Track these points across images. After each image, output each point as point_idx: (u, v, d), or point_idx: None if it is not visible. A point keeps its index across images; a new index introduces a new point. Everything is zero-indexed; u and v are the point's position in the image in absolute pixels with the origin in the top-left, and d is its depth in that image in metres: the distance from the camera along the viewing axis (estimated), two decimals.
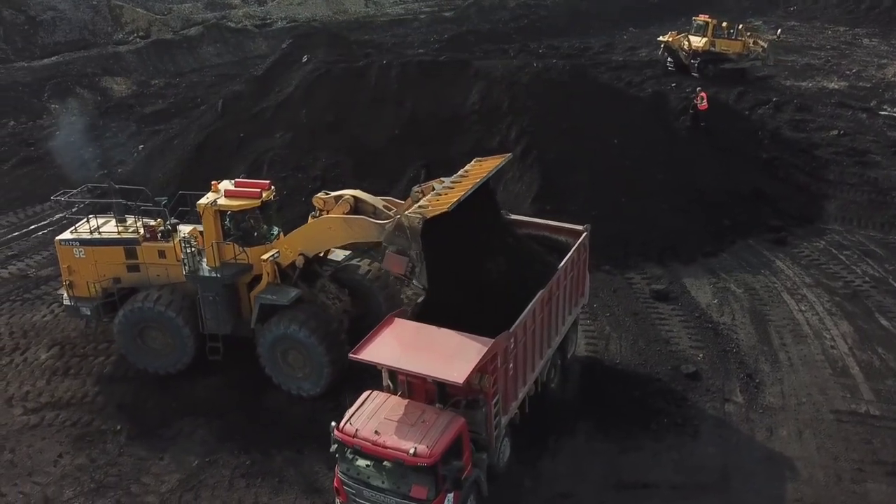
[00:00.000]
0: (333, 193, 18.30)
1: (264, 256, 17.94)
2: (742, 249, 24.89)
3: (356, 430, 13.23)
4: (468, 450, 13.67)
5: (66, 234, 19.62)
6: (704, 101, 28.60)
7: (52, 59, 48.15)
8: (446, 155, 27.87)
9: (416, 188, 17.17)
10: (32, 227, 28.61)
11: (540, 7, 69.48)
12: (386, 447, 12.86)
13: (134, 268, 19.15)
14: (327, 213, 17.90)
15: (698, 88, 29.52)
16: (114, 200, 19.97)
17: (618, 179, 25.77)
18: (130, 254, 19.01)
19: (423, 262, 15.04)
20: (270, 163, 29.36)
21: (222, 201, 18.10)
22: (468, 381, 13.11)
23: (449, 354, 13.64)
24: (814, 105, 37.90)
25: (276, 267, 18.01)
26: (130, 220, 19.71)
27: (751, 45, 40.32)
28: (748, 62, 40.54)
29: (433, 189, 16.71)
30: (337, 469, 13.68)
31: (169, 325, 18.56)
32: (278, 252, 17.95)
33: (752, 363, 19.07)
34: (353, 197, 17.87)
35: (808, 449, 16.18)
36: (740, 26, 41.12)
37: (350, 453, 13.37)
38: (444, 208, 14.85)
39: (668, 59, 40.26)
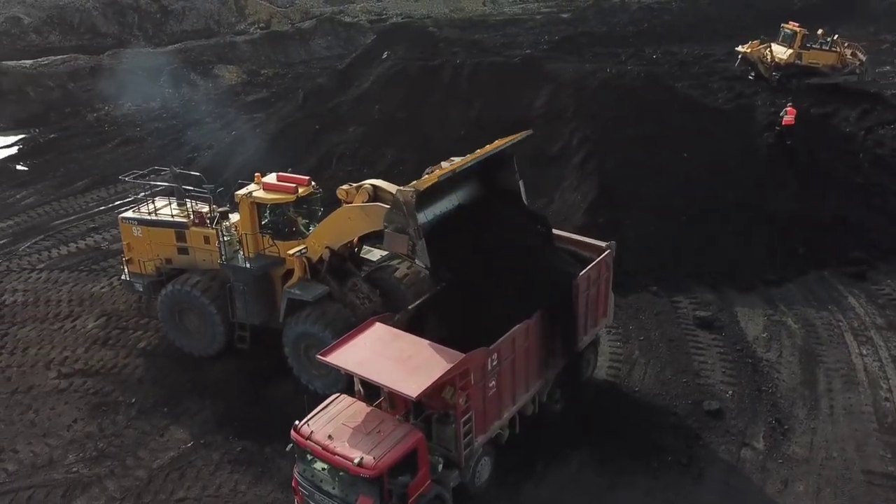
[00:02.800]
0: (356, 184, 18.16)
1: (291, 251, 18.03)
2: (812, 281, 22.74)
3: (311, 432, 13.10)
4: (425, 466, 13.21)
5: (129, 213, 20.67)
6: (790, 116, 26.29)
7: (175, 46, 51.16)
8: None
9: (427, 169, 16.65)
10: (118, 203, 30.41)
11: (664, 11, 66.81)
12: (335, 453, 12.65)
13: (183, 250, 19.82)
14: (349, 203, 17.59)
15: (788, 103, 27.15)
16: (170, 185, 20.88)
17: (680, 195, 24.21)
18: (180, 237, 19.70)
19: (421, 239, 14.45)
20: (340, 156, 29.82)
21: (258, 193, 18.40)
22: (422, 396, 12.68)
23: (414, 366, 13.25)
24: None
25: (306, 262, 18.05)
26: (189, 204, 20.41)
27: (847, 57, 36.24)
28: (841, 76, 36.09)
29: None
30: (294, 469, 13.61)
31: (202, 311, 19.09)
32: (306, 248, 17.98)
33: (787, 407, 17.36)
34: (372, 186, 17.46)
35: None
36: (836, 36, 36.95)
37: (309, 454, 13.26)
38: (435, 179, 14.37)
39: (751, 71, 36.87)
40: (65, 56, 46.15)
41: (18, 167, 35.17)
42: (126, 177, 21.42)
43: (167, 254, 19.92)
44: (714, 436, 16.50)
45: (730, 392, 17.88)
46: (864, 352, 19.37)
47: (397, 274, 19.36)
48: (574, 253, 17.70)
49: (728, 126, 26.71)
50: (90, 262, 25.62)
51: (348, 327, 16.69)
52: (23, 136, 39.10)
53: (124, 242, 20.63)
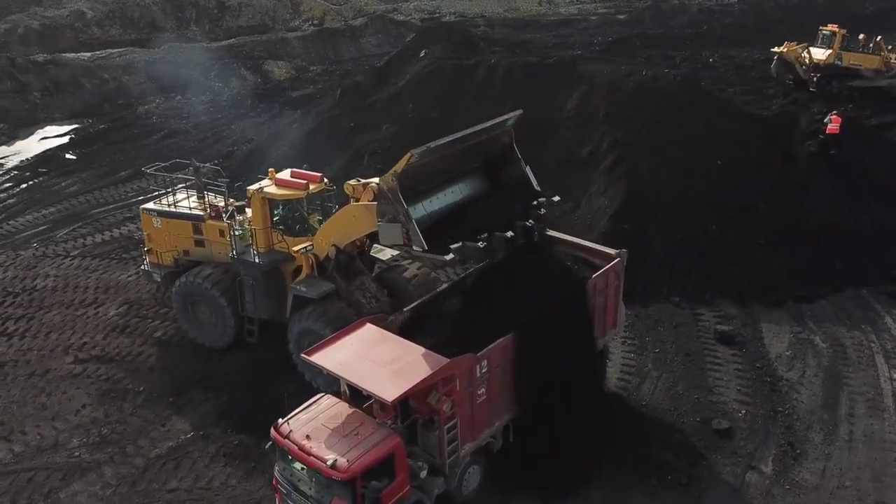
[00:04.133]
0: (364, 181, 17.99)
1: (296, 248, 18.06)
2: (848, 299, 21.61)
3: (290, 431, 12.99)
4: (404, 471, 12.96)
5: (150, 204, 21.00)
6: (835, 125, 25.04)
7: (228, 41, 52.15)
8: (536, 161, 26.53)
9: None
10: (156, 193, 31.05)
11: (725, 13, 64.95)
12: (310, 454, 12.50)
13: (200, 243, 20.01)
14: (356, 200, 17.41)
15: (833, 112, 25.83)
16: (186, 178, 21.09)
17: (711, 204, 23.33)
18: (197, 229, 19.89)
19: (412, 222, 14.04)
20: (372, 154, 29.82)
21: (269, 189, 18.43)
22: (397, 401, 12.46)
23: (396, 370, 13.03)
24: None
25: (313, 259, 18.02)
26: (210, 197, 20.65)
27: (892, 60, 34.35)
28: (885, 80, 33.97)
29: None
30: (275, 467, 13.54)
31: (213, 303, 19.27)
32: (311, 245, 17.95)
33: (802, 430, 16.49)
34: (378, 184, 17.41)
35: None
36: (879, 38, 35.05)
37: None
38: (407, 159, 13.84)
39: (789, 75, 35.13)
40: (121, 49, 47.53)
41: (68, 156, 36.31)
42: (148, 169, 21.75)
43: (185, 245, 20.16)
44: (720, 456, 15.78)
45: (742, 411, 17.09)
46: (895, 376, 18.28)
47: (406, 274, 19.18)
48: (585, 260, 17.19)
49: (768, 133, 25.67)
50: (121, 251, 26.21)
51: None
52: (76, 126, 40.40)
53: (145, 233, 21.02)
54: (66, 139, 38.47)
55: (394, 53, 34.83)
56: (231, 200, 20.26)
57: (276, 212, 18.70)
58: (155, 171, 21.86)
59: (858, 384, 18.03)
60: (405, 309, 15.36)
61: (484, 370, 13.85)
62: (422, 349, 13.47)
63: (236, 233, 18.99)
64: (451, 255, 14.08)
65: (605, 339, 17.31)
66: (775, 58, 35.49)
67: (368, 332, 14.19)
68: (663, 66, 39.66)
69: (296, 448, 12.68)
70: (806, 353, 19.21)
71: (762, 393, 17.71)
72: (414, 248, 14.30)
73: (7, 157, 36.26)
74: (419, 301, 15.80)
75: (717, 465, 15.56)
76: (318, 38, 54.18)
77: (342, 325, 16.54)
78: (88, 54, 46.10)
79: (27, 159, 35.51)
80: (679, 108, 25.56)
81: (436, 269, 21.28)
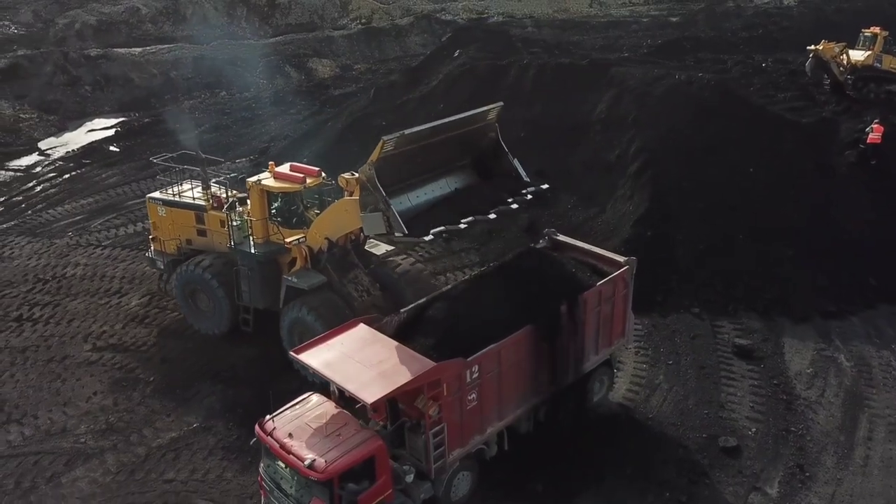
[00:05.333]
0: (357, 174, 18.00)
1: (289, 239, 18.32)
2: (880, 316, 20.60)
3: (274, 428, 12.98)
4: (385, 474, 12.80)
5: (156, 193, 21.51)
6: (876, 134, 23.89)
7: (275, 38, 52.88)
8: (563, 164, 26.56)
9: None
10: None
11: (783, 16, 62.91)
12: (290, 452, 12.45)
13: (202, 233, 20.49)
14: (350, 194, 17.48)
15: (876, 120, 24.63)
16: (180, 167, 21.56)
17: (740, 213, 22.57)
18: (199, 219, 20.38)
19: (391, 209, 14.31)
20: None
21: (267, 181, 18.74)
22: (376, 404, 12.33)
23: (381, 372, 12.89)
24: None
25: (307, 251, 18.29)
26: (215, 188, 20.99)
27: None
28: None
29: None
30: (260, 464, 13.55)
31: (210, 291, 19.71)
32: (304, 237, 18.19)
33: (814, 452, 15.76)
34: None
35: None
36: None
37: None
38: (382, 146, 14.18)
39: (825, 75, 33.29)
40: (171, 45, 48.64)
41: (111, 148, 37.28)
42: (155, 159, 22.29)
43: (188, 235, 20.66)
44: (723, 475, 15.19)
45: (753, 429, 16.43)
46: None
47: (399, 269, 19.30)
48: (594, 267, 16.76)
49: (805, 141, 24.65)
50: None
51: (340, 318, 16.80)
52: (122, 119, 41.49)
53: (151, 221, 21.59)
54: (111, 132, 39.53)
55: (429, 53, 34.70)
56: (233, 192, 20.56)
57: (274, 204, 19.00)
58: (163, 161, 22.36)
59: (881, 406, 17.16)
60: (402, 310, 15.23)
61: (475, 375, 13.63)
62: (411, 352, 13.31)
63: (234, 223, 19.37)
64: (429, 237, 14.57)
65: (611, 349, 16.88)
66: (811, 56, 33.85)
67: (360, 333, 14.09)
68: (712, 70, 38.57)
69: (277, 446, 12.66)
70: (828, 372, 18.39)
71: (776, 411, 17.01)
72: (396, 234, 14.58)
73: (54, 147, 37.45)
74: (416, 303, 15.63)
75: (719, 484, 14.99)
76: (364, 37, 54.48)
77: (332, 317, 17.14)
78: (139, 49, 47.30)
79: (72, 150, 36.61)
80: (711, 114, 24.81)
81: (437, 271, 21.23)
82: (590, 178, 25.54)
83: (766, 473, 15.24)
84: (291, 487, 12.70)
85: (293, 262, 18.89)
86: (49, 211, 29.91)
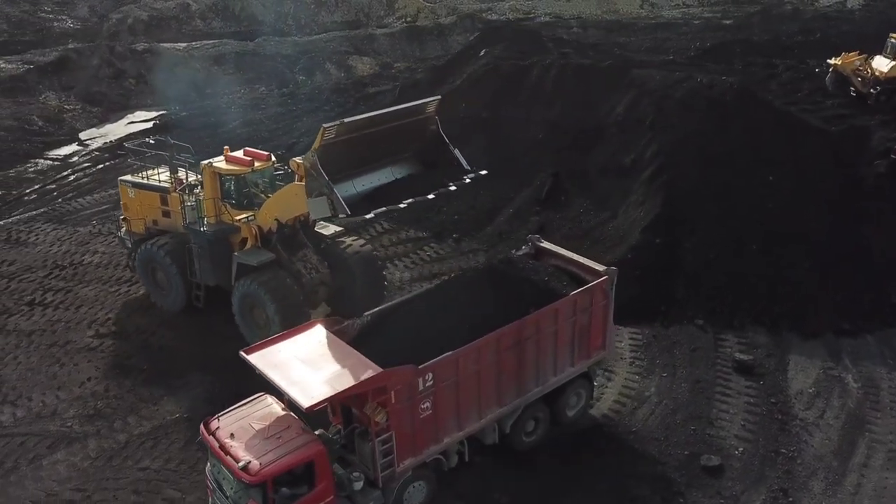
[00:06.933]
0: None
1: (237, 218, 19.22)
2: None
3: (218, 428, 12.86)
4: (326, 480, 12.52)
5: (127, 176, 22.59)
6: None
7: (318, 36, 53.40)
8: (580, 165, 26.06)
9: None
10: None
11: (844, 20, 60.45)
12: (228, 453, 12.28)
13: (167, 214, 21.34)
14: (300, 178, 18.31)
15: None
16: (147, 152, 22.76)
17: (756, 222, 21.66)
18: (163, 201, 21.28)
19: (334, 192, 15.68)
20: None
21: (218, 164, 19.63)
22: (312, 409, 12.08)
23: (326, 376, 12.67)
24: None
25: (256, 230, 19.21)
26: (182, 172, 21.78)
27: None
28: None
29: None
30: (208, 464, 13.45)
31: (166, 269, 20.71)
32: (253, 216, 19.09)
33: (803, 477, 14.97)
34: None
35: None
36: None
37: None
38: (320, 137, 15.51)
39: (850, 87, 31.27)
40: (215, 41, 49.57)
41: (148, 140, 38.11)
42: (128, 143, 22.91)
43: (154, 216, 21.53)
44: (701, 495, 14.56)
45: (740, 449, 15.71)
46: None
47: (349, 250, 20.10)
48: (575, 276, 16.15)
49: (832, 150, 23.53)
50: None
51: (288, 293, 18.31)
52: (162, 112, 42.42)
53: (122, 202, 22.45)
54: (150, 124, 40.44)
55: (456, 52, 34.46)
56: (198, 176, 21.13)
57: (226, 185, 19.69)
58: (136, 146, 23.25)
59: (884, 432, 16.21)
60: (366, 314, 14.92)
61: (429, 384, 13.24)
62: (360, 357, 12.99)
63: (189, 204, 20.13)
64: (371, 215, 16.43)
65: (590, 362, 16.22)
66: (830, 70, 31.95)
67: (315, 335, 13.88)
68: (762, 75, 37.38)
69: (217, 446, 12.52)
70: (832, 392, 17.47)
71: (768, 431, 16.23)
72: (339, 215, 15.96)
73: (94, 138, 38.54)
74: (380, 307, 15.32)
75: None
76: (406, 36, 54.54)
77: (281, 292, 18.38)
78: (184, 45, 48.33)
79: (110, 141, 37.58)
80: (732, 118, 23.88)
81: (442, 272, 21.13)
82: (604, 181, 24.94)
83: (746, 496, 14.55)
84: (231, 489, 12.49)
85: (244, 241, 19.71)
86: (78, 199, 30.77)
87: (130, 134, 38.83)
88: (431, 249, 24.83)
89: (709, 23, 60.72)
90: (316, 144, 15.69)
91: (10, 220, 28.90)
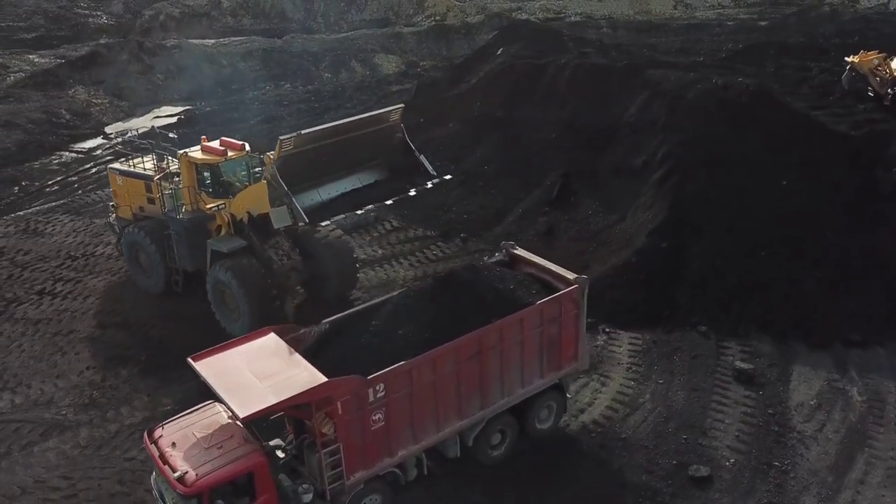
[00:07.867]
0: None
1: (208, 206, 19.56)
2: None
3: (160, 436, 12.75)
4: (268, 492, 12.36)
5: (116, 164, 23.40)
6: None
7: (346, 34, 53.60)
8: (592, 166, 25.67)
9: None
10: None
11: (884, 22, 58.71)
12: (165, 463, 12.14)
13: (151, 200, 21.86)
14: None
15: None
16: (132, 141, 24.04)
17: (766, 227, 21.05)
18: (148, 188, 21.82)
19: (293, 200, 17.06)
20: (434, 150, 29.46)
21: (193, 153, 20.02)
22: (249, 419, 11.92)
23: (269, 385, 12.44)
24: None
25: (229, 218, 19.67)
26: (166, 160, 22.27)
27: None
28: None
29: None
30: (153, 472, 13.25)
31: (148, 253, 21.27)
32: (224, 205, 19.48)
33: (794, 492, 14.49)
34: None
35: None
36: None
37: None
38: (279, 149, 16.61)
39: (868, 87, 29.81)
40: (243, 38, 50.05)
41: (171, 135, 38.54)
42: (109, 129, 23.36)
43: (140, 202, 22.19)
44: None
45: (732, 460, 15.27)
46: None
47: (320, 237, 20.49)
48: (548, 284, 15.61)
49: (850, 154, 22.76)
50: None
51: (258, 279, 18.71)
52: (188, 107, 42.96)
53: (112, 190, 23.16)
54: (174, 119, 40.97)
55: (474, 51, 34.26)
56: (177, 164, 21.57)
57: (203, 174, 20.03)
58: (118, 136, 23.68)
59: (884, 448, 15.62)
60: (325, 321, 14.63)
61: (380, 395, 12.92)
62: (306, 367, 12.76)
63: (166, 192, 20.70)
64: (328, 223, 17.34)
65: (560, 374, 15.67)
66: (847, 68, 30.79)
67: (266, 343, 13.69)
68: (794, 78, 36.39)
69: (156, 455, 12.39)
70: (834, 405, 16.90)
71: (763, 443, 15.75)
72: (299, 223, 16.87)
73: (119, 132, 39.13)
74: (339, 315, 14.94)
75: None
76: (433, 34, 54.43)
77: (250, 278, 18.80)
78: (212, 41, 48.89)
79: (134, 135, 38.05)
80: (745, 121, 23.23)
81: None
82: (615, 182, 24.53)
83: None
84: (171, 499, 12.31)
85: (220, 228, 20.13)
86: (97, 192, 31.27)
87: (154, 128, 39.33)
88: (438, 249, 24.65)
89: (744, 24, 59.53)
90: (276, 155, 16.35)
91: (29, 211, 29.52)
